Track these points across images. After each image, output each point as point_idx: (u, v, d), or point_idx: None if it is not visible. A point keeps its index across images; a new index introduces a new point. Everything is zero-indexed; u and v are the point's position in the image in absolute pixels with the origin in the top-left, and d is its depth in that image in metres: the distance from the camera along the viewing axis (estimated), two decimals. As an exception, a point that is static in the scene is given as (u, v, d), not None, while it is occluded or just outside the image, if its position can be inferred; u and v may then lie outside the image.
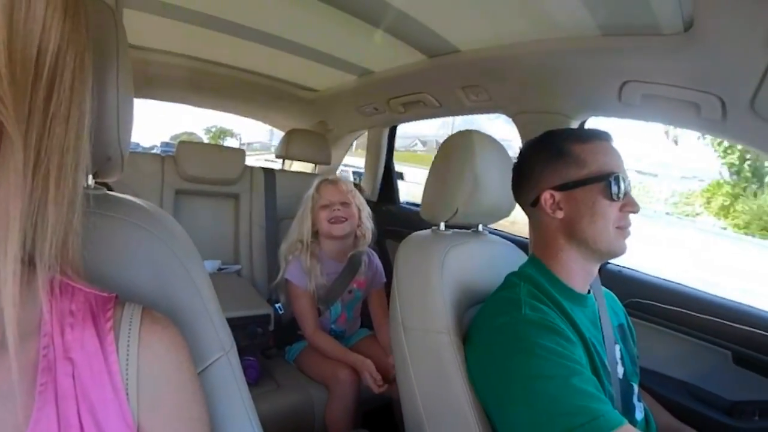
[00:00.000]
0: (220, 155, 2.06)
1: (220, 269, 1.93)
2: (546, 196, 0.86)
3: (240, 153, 2.06)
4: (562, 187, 0.85)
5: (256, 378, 1.52)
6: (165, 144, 16.80)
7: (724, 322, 1.23)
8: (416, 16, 1.30)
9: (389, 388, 1.44)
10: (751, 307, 1.25)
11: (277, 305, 1.74)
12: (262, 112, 2.90)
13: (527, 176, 0.92)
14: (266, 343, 1.64)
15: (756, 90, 0.94)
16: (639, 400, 0.93)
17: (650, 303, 1.36)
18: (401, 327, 0.96)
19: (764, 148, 1.11)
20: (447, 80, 1.64)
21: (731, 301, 1.28)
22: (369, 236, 1.77)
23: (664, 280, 1.42)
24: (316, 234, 1.71)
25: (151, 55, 1.94)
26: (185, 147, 1.98)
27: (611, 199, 0.82)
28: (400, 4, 1.24)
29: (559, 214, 0.85)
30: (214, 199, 2.05)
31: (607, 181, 0.82)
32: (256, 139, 28.24)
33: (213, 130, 28.66)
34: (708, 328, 1.26)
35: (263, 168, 2.17)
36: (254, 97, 2.49)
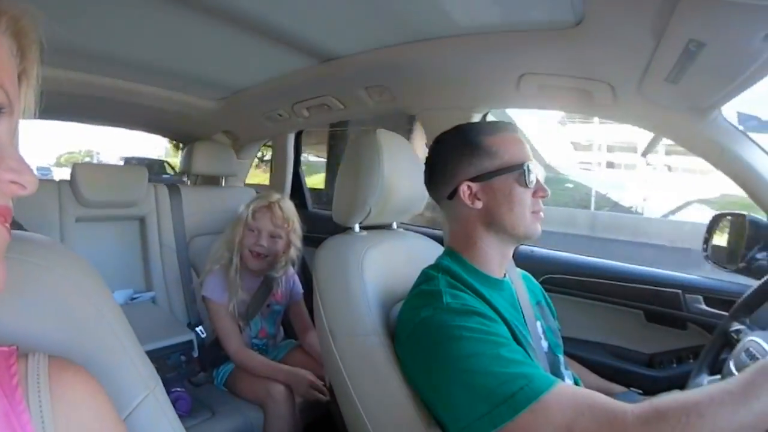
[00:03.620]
0: (121, 176, 1.93)
1: (132, 299, 1.80)
2: (464, 188, 0.88)
3: (142, 171, 1.92)
4: (478, 178, 0.88)
5: (188, 409, 1.43)
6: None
7: (633, 285, 1.35)
8: (308, 21, 1.27)
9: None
10: (655, 270, 1.38)
11: (198, 328, 1.67)
12: (164, 127, 2.71)
13: (442, 170, 0.93)
14: (193, 371, 1.55)
15: (642, 75, 1.02)
16: (566, 369, 0.98)
17: (563, 277, 1.45)
18: (329, 334, 0.94)
19: (650, 127, 1.25)
20: (349, 82, 1.62)
21: (637, 266, 1.41)
22: (288, 266, 1.70)
23: (574, 255, 1.53)
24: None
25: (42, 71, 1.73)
26: (82, 169, 1.80)
27: (525, 186, 0.86)
28: (288, 12, 1.20)
29: (478, 204, 0.88)
30: (118, 224, 1.91)
31: (520, 170, 0.86)
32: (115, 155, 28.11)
33: (82, 151, 27.35)
34: (619, 293, 1.37)
35: (167, 185, 2.05)
36: (153, 111, 2.33)
